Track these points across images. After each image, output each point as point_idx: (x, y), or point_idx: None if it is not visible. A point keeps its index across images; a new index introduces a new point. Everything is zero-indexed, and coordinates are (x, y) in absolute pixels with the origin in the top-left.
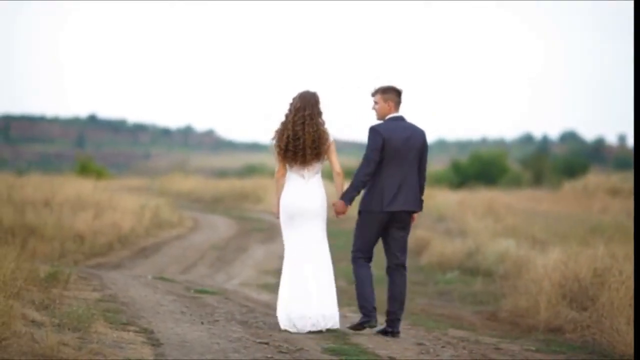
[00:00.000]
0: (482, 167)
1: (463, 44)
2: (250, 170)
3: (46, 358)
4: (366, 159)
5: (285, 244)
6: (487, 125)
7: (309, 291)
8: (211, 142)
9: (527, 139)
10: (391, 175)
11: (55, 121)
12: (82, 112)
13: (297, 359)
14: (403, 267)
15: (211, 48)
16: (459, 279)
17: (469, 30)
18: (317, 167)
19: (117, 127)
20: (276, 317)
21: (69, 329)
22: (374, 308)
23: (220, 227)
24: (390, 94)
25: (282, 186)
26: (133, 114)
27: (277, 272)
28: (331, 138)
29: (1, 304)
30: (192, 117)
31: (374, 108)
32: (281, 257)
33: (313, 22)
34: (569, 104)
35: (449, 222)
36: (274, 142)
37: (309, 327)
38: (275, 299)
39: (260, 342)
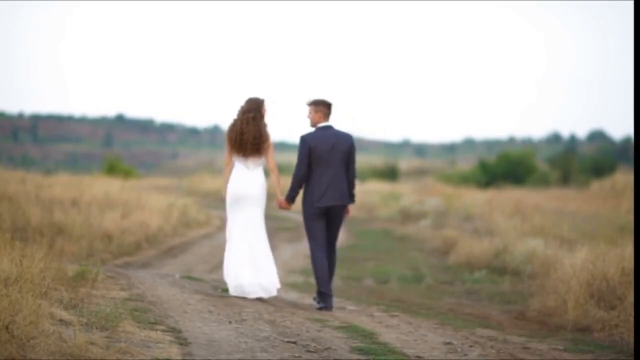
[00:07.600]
0: (509, 167)
1: (493, 43)
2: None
3: (74, 357)
4: (297, 164)
5: (228, 223)
6: (515, 124)
7: (246, 264)
8: None
9: (555, 138)
10: (320, 176)
11: (83, 121)
12: (110, 111)
13: (325, 358)
14: (333, 248)
15: (239, 48)
16: (486, 278)
17: (499, 29)
18: (259, 160)
19: (145, 127)
20: (297, 312)
21: (96, 328)
22: (331, 295)
23: None
24: (320, 107)
25: (229, 173)
26: (161, 114)
27: (305, 271)
28: (270, 139)
29: (29, 303)
30: (219, 117)
31: (308, 117)
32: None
33: (343, 24)
34: (597, 103)
35: (477, 221)
36: (227, 134)
37: (248, 294)
38: (303, 297)
39: (288, 342)
